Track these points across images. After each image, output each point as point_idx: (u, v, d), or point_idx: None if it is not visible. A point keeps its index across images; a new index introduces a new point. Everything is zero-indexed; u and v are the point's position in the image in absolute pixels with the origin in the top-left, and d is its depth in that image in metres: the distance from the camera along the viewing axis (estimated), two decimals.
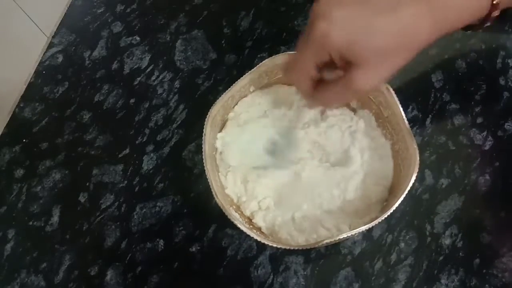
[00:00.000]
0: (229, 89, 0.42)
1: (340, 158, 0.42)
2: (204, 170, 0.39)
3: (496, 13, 0.32)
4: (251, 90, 0.45)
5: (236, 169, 0.43)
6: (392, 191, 0.40)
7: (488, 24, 0.34)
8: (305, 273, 0.42)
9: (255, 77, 0.44)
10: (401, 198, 0.35)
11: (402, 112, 0.39)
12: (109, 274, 0.45)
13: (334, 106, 0.42)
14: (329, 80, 0.34)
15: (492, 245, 0.41)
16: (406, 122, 0.38)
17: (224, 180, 0.43)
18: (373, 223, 0.35)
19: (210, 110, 0.41)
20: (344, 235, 0.35)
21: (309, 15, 0.31)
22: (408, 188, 0.36)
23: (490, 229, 0.42)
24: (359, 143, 0.42)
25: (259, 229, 0.41)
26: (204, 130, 0.40)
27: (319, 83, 0.35)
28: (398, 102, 0.39)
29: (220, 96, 0.42)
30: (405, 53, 0.31)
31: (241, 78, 0.42)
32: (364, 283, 0.41)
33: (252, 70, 0.42)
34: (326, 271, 0.42)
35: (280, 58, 0.43)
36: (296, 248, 0.37)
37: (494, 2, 0.32)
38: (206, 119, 0.41)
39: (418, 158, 0.36)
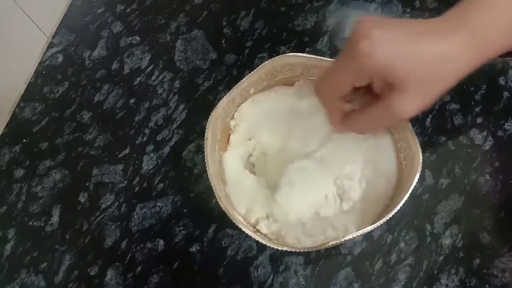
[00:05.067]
0: (229, 92, 0.42)
1: (342, 156, 0.42)
2: (204, 170, 0.39)
3: None
4: (251, 92, 0.45)
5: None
6: (395, 190, 0.40)
7: None
8: (305, 273, 0.42)
9: (255, 80, 0.44)
10: (406, 197, 0.35)
11: None
12: (109, 274, 0.45)
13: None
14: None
15: (492, 245, 0.41)
16: (408, 120, 0.38)
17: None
18: (378, 223, 0.35)
19: (211, 114, 0.41)
20: (349, 236, 0.35)
21: (350, 35, 0.30)
22: (412, 186, 0.35)
23: (490, 229, 0.42)
24: (361, 138, 0.42)
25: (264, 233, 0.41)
26: (205, 134, 0.40)
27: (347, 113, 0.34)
28: None
29: (219, 97, 0.42)
30: (447, 79, 0.30)
31: (241, 81, 0.42)
32: (364, 283, 0.41)
33: (252, 72, 0.42)
34: (326, 271, 0.42)
35: (279, 60, 0.42)
36: (301, 251, 0.37)
37: None
38: (207, 124, 0.40)
39: (421, 156, 0.36)
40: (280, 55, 0.42)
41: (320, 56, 0.42)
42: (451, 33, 0.29)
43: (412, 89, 0.29)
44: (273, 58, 0.42)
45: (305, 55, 0.42)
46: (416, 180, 0.36)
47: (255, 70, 0.42)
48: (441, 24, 0.30)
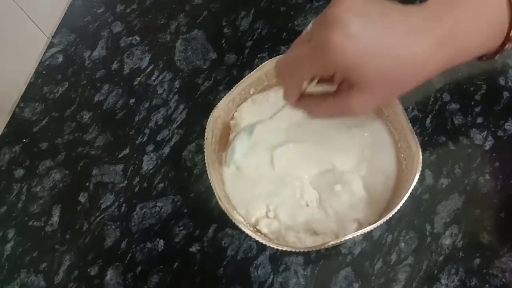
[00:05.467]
0: (229, 92, 0.42)
1: (342, 156, 0.42)
2: (204, 170, 0.39)
3: (510, 46, 0.30)
4: (251, 92, 0.45)
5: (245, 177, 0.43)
6: (395, 190, 0.40)
7: (499, 55, 0.32)
8: (305, 273, 0.42)
9: (255, 80, 0.44)
10: (406, 197, 0.35)
11: (403, 111, 0.39)
12: (109, 274, 0.45)
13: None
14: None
15: (492, 245, 0.41)
16: (408, 120, 0.38)
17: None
18: (378, 223, 0.35)
19: (211, 114, 0.41)
20: (349, 236, 0.35)
21: (322, 15, 0.28)
22: (412, 186, 0.35)
23: (490, 229, 0.42)
24: (360, 138, 0.42)
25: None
26: (205, 134, 0.40)
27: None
28: (398, 101, 0.39)
29: (219, 97, 0.42)
30: (410, 83, 0.29)
31: (241, 81, 0.42)
32: (364, 283, 0.41)
33: (252, 72, 0.42)
34: (326, 271, 0.42)
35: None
36: (301, 250, 0.37)
37: (511, 35, 0.30)
38: (207, 123, 0.40)
39: (420, 156, 0.36)
40: (281, 55, 0.42)
41: None
42: (426, 35, 0.28)
43: (373, 91, 0.28)
44: (273, 58, 0.42)
45: None
46: (416, 180, 0.36)
47: (255, 70, 0.42)
48: (420, 19, 0.28)
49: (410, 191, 0.35)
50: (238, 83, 0.42)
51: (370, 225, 0.35)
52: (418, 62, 0.28)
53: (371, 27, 0.27)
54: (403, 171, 0.40)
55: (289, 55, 0.32)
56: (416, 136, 0.38)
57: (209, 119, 0.41)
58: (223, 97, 0.42)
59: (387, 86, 0.29)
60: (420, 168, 0.36)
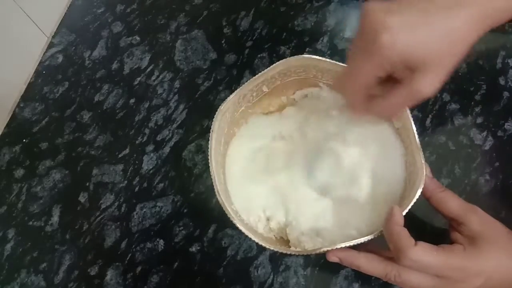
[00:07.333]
0: (240, 87, 0.41)
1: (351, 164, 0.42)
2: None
3: None
4: (264, 90, 0.44)
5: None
6: (399, 200, 0.39)
7: None
8: (305, 273, 0.42)
9: (268, 78, 0.43)
10: (404, 213, 0.34)
11: (414, 127, 0.37)
12: (109, 274, 0.45)
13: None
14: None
15: None
16: (417, 137, 0.36)
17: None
18: (375, 234, 0.34)
19: (220, 107, 0.40)
20: (346, 244, 0.34)
21: (361, 23, 0.30)
22: (412, 203, 0.34)
23: None
24: (372, 150, 0.42)
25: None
26: (212, 127, 0.39)
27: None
28: (410, 116, 0.37)
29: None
30: (460, 52, 0.31)
31: (254, 77, 0.41)
32: (364, 283, 0.41)
33: (265, 70, 0.41)
34: (326, 271, 0.42)
35: (294, 61, 0.41)
36: (298, 254, 0.36)
37: None
38: (215, 116, 0.40)
39: (424, 173, 0.35)
40: (295, 56, 0.41)
41: (320, 55, 0.42)
42: (457, 7, 0.30)
43: (433, 68, 0.30)
44: (287, 58, 0.41)
45: (320, 58, 0.40)
46: (417, 196, 0.35)
47: (268, 68, 0.41)
48: None
49: (409, 207, 0.35)
50: (251, 79, 0.41)
51: (370, 233, 0.34)
52: (458, 33, 0.30)
53: (408, 14, 0.30)
54: (406, 186, 0.39)
55: (345, 69, 0.34)
56: (422, 154, 0.36)
57: (217, 112, 0.40)
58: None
59: (443, 59, 0.30)
60: (422, 185, 0.35)
